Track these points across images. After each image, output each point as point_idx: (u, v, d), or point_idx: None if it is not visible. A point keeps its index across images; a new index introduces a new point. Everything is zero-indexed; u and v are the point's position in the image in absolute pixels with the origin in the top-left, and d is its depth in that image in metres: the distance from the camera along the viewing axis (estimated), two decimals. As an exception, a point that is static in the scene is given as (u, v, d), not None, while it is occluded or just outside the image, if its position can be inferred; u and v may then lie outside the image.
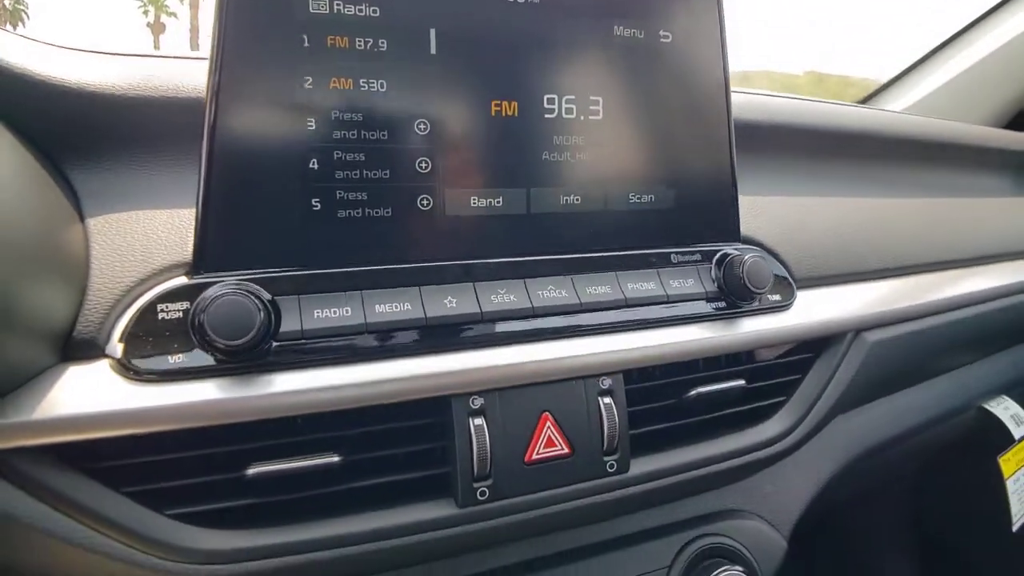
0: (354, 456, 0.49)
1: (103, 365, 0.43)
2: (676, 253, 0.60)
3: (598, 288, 0.56)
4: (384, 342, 0.48)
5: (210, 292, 0.42)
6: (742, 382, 0.63)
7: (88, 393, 0.42)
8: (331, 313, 0.47)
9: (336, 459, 0.48)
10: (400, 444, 0.51)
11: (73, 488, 0.42)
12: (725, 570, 0.63)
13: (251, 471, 0.46)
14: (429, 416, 0.51)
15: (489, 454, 0.51)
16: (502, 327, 0.52)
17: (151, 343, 0.43)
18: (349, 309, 0.47)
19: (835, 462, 0.81)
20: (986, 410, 1.01)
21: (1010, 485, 0.95)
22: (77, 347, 0.43)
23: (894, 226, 0.85)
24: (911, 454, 0.96)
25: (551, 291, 0.54)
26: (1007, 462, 0.96)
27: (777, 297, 0.65)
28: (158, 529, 0.44)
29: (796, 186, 0.80)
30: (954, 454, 1.03)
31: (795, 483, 0.76)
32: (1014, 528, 0.95)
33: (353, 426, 0.49)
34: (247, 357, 0.44)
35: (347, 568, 0.49)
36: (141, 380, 0.43)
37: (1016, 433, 0.99)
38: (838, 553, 1.58)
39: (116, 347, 0.43)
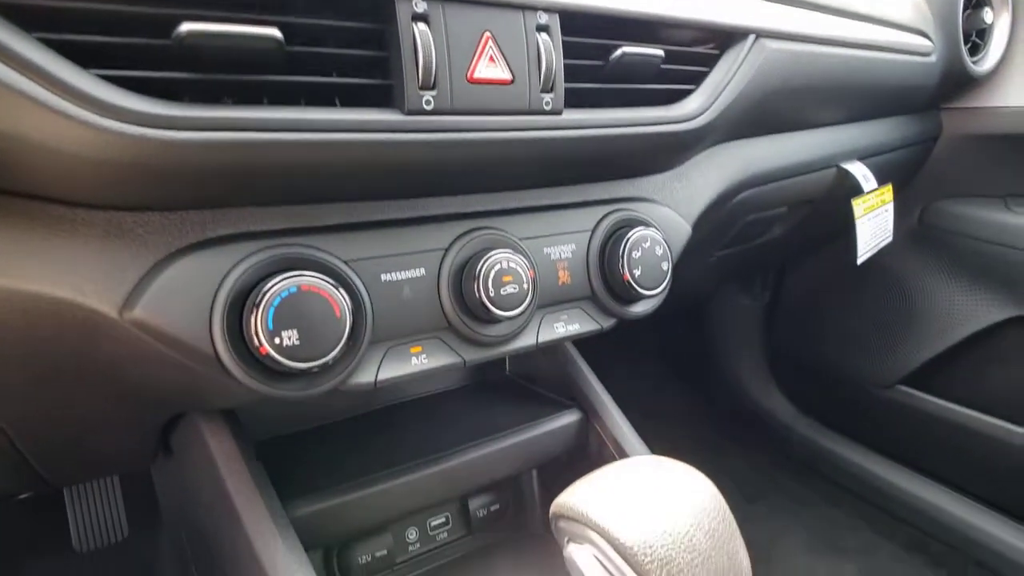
0: (296, 47, 0.47)
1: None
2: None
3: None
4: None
5: None
6: (661, 52, 0.67)
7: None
8: None
9: (276, 34, 0.45)
10: (345, 45, 0.50)
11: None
12: (642, 230, 0.70)
13: (183, 29, 0.42)
14: (375, 19, 0.50)
15: (434, 63, 0.51)
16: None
17: None
18: None
19: (728, 180, 0.90)
20: (844, 169, 1.15)
21: (859, 225, 1.10)
22: None
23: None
24: (784, 196, 1.09)
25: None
26: (858, 205, 1.11)
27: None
28: (86, 84, 0.41)
29: None
30: (819, 205, 1.18)
31: (698, 186, 0.84)
32: (859, 262, 1.12)
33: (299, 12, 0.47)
34: None
35: (299, 158, 0.48)
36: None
37: (865, 187, 1.15)
38: (719, 323, 1.78)
39: None
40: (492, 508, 0.87)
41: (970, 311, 1.35)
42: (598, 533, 0.47)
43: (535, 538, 0.88)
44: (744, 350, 1.72)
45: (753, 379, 1.71)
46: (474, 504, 0.86)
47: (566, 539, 0.50)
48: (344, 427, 0.84)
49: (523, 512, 0.90)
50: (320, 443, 0.80)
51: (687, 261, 0.84)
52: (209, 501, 0.69)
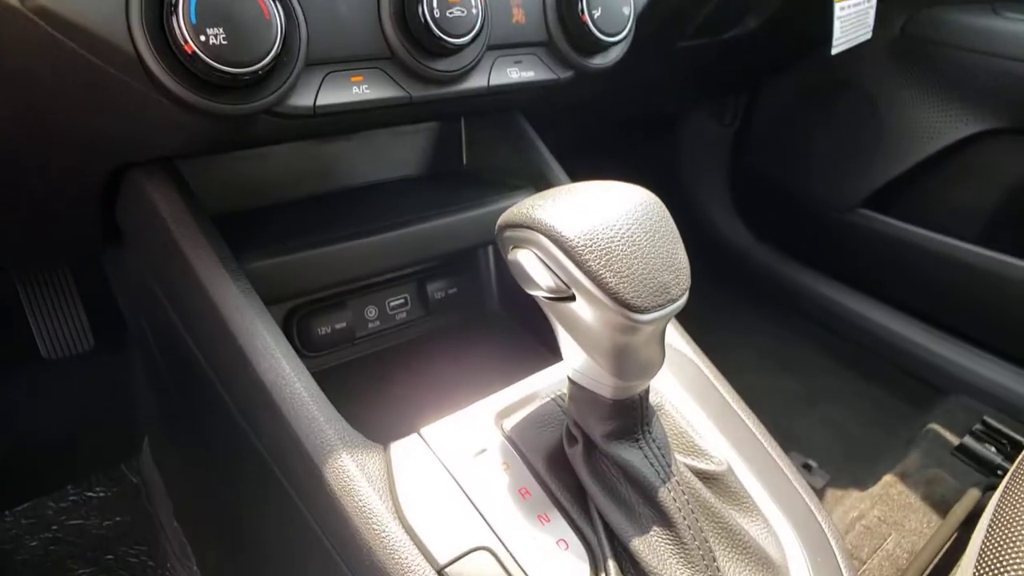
0: None
1: None
2: None
3: None
4: None
5: None
6: None
7: None
8: None
9: None
10: None
11: None
12: None
13: None
14: None
15: None
16: None
17: None
18: None
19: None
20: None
21: (838, 10, 1.06)
22: None
23: None
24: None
25: None
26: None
27: None
28: None
29: None
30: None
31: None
32: (834, 52, 1.08)
33: None
34: None
35: None
36: None
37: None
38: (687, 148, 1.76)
39: None
40: (450, 291, 0.88)
41: (941, 127, 1.34)
42: (540, 232, 0.46)
43: (492, 319, 0.90)
44: (709, 177, 1.71)
45: (715, 206, 1.72)
46: (432, 287, 0.87)
47: (511, 247, 0.50)
48: (301, 204, 0.82)
49: (480, 295, 0.91)
50: (275, 215, 0.78)
51: (652, 50, 0.80)
52: (159, 266, 0.68)
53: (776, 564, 0.57)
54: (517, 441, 0.58)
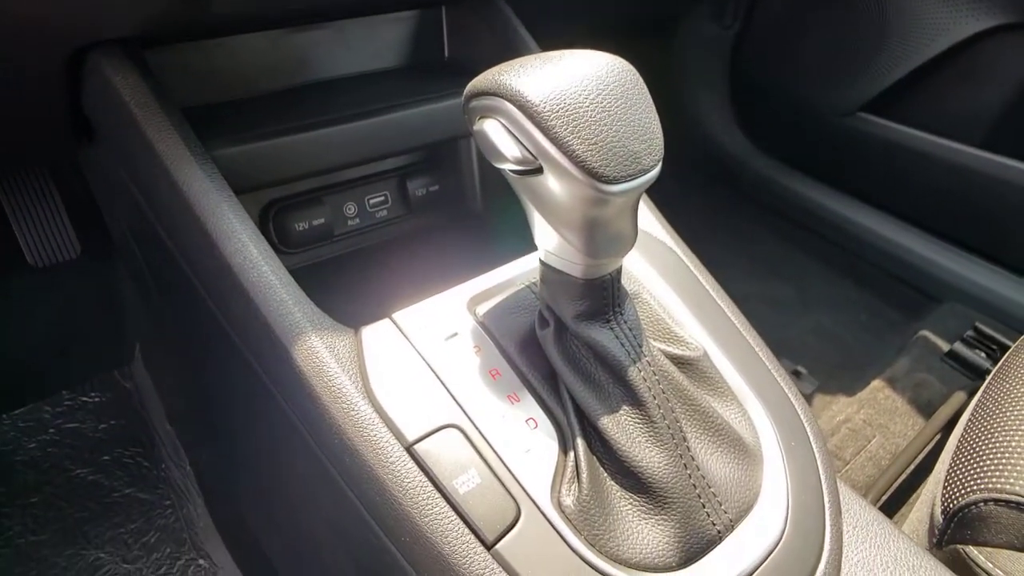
0: None
1: None
2: None
3: None
4: None
5: None
6: None
7: None
8: None
9: None
10: None
11: None
12: None
13: None
14: None
15: None
16: None
17: None
18: None
19: None
20: None
21: None
22: None
23: None
24: None
25: None
26: None
27: None
28: None
29: None
30: None
31: None
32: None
33: None
34: None
35: None
36: None
37: None
38: (685, 52, 1.69)
39: None
40: (431, 188, 0.86)
41: (948, 23, 1.26)
42: (505, 98, 0.44)
43: (474, 220, 0.88)
44: (707, 83, 1.64)
45: (713, 113, 1.66)
46: (412, 184, 0.84)
47: (477, 117, 0.47)
48: (274, 96, 0.79)
49: (462, 194, 0.89)
50: (247, 107, 0.74)
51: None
52: (128, 158, 0.65)
53: (749, 448, 0.58)
54: (489, 325, 0.57)
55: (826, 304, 1.49)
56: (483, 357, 0.56)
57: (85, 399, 1.08)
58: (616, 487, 0.52)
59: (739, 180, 1.68)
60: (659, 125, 0.46)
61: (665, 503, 0.51)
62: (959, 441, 0.80)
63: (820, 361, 1.36)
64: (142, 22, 0.60)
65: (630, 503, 0.51)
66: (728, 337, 0.65)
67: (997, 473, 0.69)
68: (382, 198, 0.84)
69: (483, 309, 0.58)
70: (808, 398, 1.29)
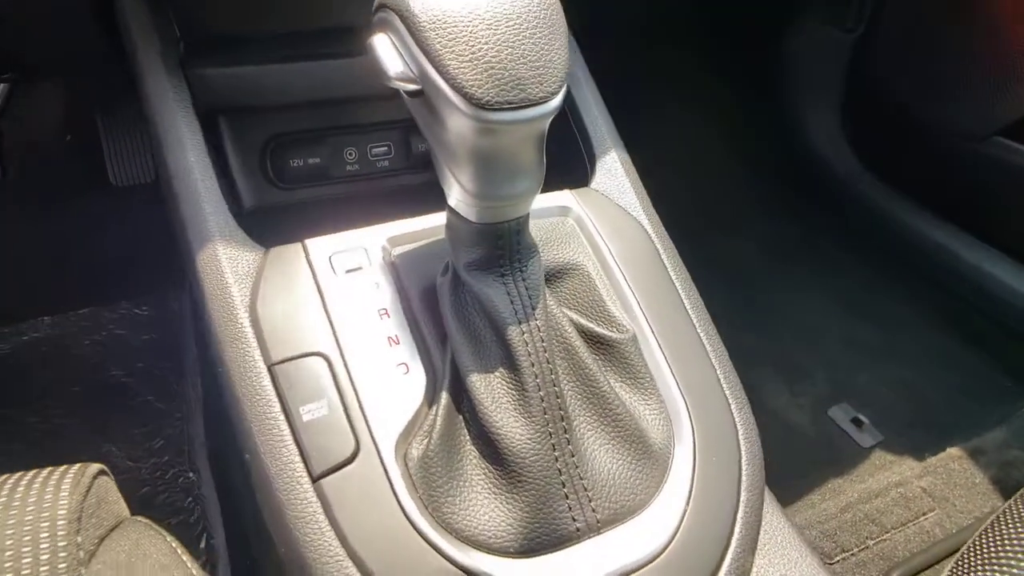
0: None
1: None
2: None
3: None
4: None
5: None
6: None
7: None
8: None
9: None
10: None
11: None
12: None
13: None
14: None
15: None
16: None
17: None
18: None
19: None
20: None
21: None
22: None
23: None
24: None
25: None
26: None
27: None
28: None
29: None
30: None
31: None
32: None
33: None
34: None
35: None
36: None
37: None
38: (796, 54, 1.55)
39: None
40: (436, 146, 0.84)
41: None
42: (393, 9, 0.41)
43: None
44: (815, 90, 1.47)
45: (819, 125, 1.48)
46: (416, 138, 0.83)
47: (374, 32, 0.45)
48: (291, 34, 0.81)
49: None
50: (256, 37, 0.77)
51: None
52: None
53: (652, 448, 0.50)
54: (399, 267, 0.55)
55: (917, 356, 1.28)
56: (378, 295, 0.53)
57: (137, 312, 1.19)
58: (474, 452, 0.48)
59: (838, 200, 1.50)
60: (563, 57, 0.41)
61: (520, 481, 0.45)
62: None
63: (890, 415, 1.18)
64: None
65: (483, 473, 0.47)
66: (675, 330, 0.57)
67: None
68: (384, 148, 0.84)
69: (400, 251, 0.56)
70: (864, 453, 1.12)
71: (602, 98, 0.72)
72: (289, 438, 0.47)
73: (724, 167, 1.66)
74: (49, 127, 1.18)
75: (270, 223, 0.83)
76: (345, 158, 0.83)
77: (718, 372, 0.56)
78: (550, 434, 0.46)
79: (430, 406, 0.49)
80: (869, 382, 1.23)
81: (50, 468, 0.52)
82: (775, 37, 1.50)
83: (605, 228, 0.61)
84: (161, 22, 0.65)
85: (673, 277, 0.61)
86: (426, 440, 0.47)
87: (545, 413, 0.46)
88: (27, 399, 1.06)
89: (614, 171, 0.67)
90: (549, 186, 0.65)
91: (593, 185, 0.67)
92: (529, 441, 0.46)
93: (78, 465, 0.53)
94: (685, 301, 0.59)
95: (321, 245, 0.56)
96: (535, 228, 0.58)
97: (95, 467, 0.53)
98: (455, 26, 0.39)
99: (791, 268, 1.44)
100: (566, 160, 0.72)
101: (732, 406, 0.55)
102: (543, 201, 0.62)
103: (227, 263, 0.53)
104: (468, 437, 0.48)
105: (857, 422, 1.17)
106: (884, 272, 1.42)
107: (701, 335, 0.58)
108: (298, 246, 0.56)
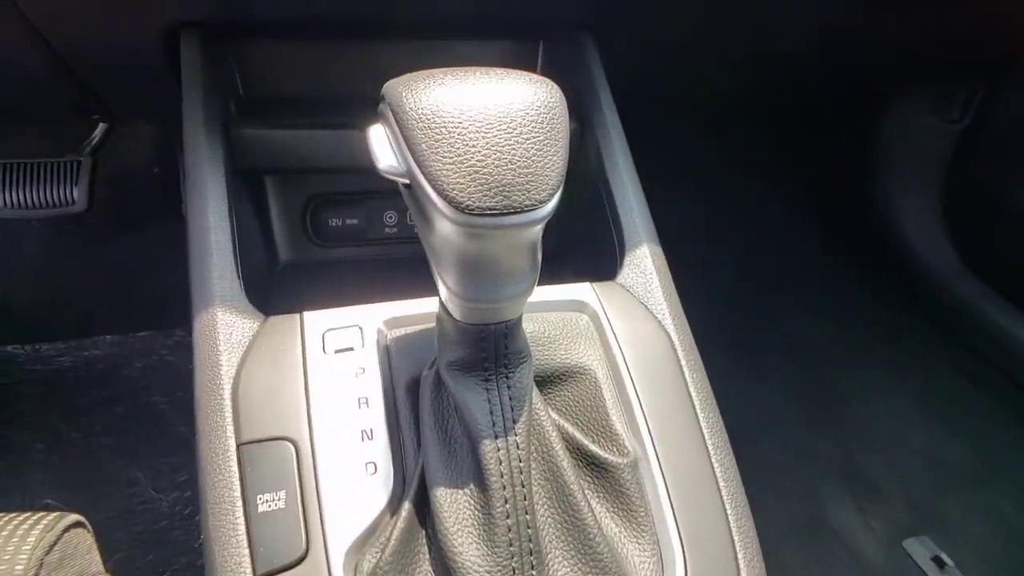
0: None
1: None
2: None
3: None
4: None
5: None
6: None
7: None
8: None
9: None
10: None
11: None
12: None
13: None
14: None
15: None
16: None
17: None
18: None
19: None
20: None
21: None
22: None
23: None
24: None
25: None
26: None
27: None
28: None
29: None
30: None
31: None
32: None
33: None
34: None
35: None
36: None
37: None
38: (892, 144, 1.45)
39: None
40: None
41: None
42: (387, 102, 0.40)
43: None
44: (913, 183, 1.35)
45: (915, 220, 1.36)
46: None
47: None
48: (337, 97, 0.82)
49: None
50: (306, 101, 0.79)
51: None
52: None
53: (636, 597, 0.44)
54: (392, 352, 0.52)
55: (1018, 486, 1.12)
56: (361, 383, 0.51)
57: (190, 339, 1.22)
58: (431, 575, 0.43)
59: (931, 300, 1.35)
60: (558, 164, 0.38)
61: (473, 619, 0.41)
62: None
63: (981, 556, 1.02)
64: (208, 9, 0.67)
65: (436, 600, 0.42)
66: (684, 458, 0.51)
67: None
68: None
69: (395, 334, 0.53)
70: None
71: (642, 189, 0.67)
72: (242, 528, 0.44)
73: (799, 245, 1.55)
74: (140, 161, 1.26)
75: (306, 277, 0.84)
76: (385, 221, 0.82)
77: (729, 515, 0.49)
78: (514, 569, 0.41)
79: (392, 515, 0.45)
80: (957, 511, 1.08)
81: (25, 514, 0.52)
82: (867, 120, 1.40)
83: (623, 330, 0.56)
84: (214, 79, 0.67)
85: (693, 394, 0.55)
86: (380, 553, 0.43)
87: (511, 545, 0.41)
88: (75, 414, 1.10)
89: (643, 267, 0.62)
90: (570, 276, 0.61)
91: (619, 280, 0.62)
92: (487, 574, 0.41)
93: (53, 515, 0.52)
94: (702, 424, 0.53)
95: (318, 319, 0.54)
96: (544, 322, 0.54)
97: (70, 519, 0.53)
98: (444, 127, 0.37)
99: (868, 364, 1.31)
100: (596, 249, 0.68)
101: (740, 558, 0.47)
102: (558, 293, 0.58)
103: (222, 330, 0.53)
104: (427, 556, 0.44)
105: (939, 562, 1.02)
106: (983, 383, 1.26)
107: (715, 467, 0.51)
108: (295, 317, 0.54)
